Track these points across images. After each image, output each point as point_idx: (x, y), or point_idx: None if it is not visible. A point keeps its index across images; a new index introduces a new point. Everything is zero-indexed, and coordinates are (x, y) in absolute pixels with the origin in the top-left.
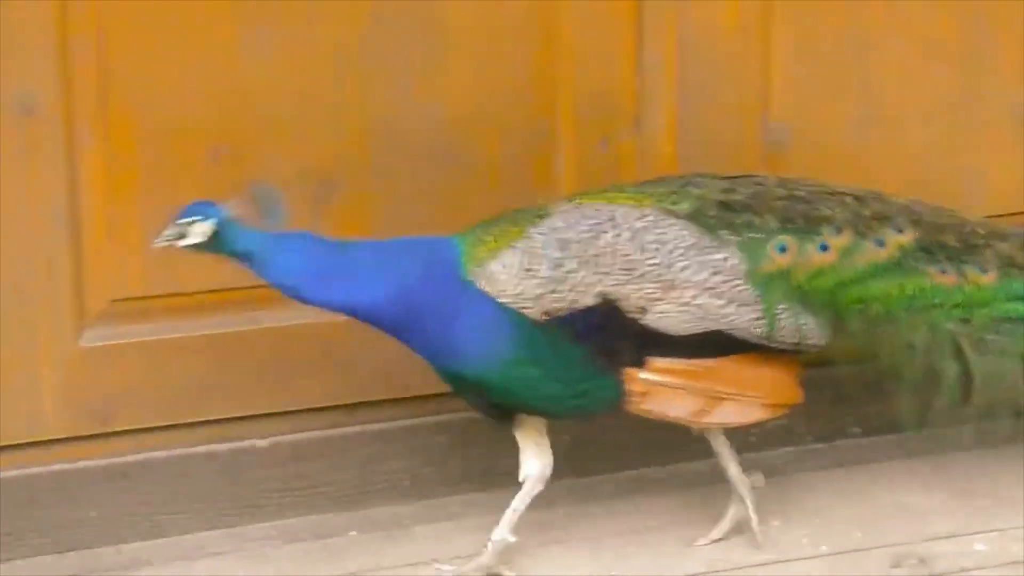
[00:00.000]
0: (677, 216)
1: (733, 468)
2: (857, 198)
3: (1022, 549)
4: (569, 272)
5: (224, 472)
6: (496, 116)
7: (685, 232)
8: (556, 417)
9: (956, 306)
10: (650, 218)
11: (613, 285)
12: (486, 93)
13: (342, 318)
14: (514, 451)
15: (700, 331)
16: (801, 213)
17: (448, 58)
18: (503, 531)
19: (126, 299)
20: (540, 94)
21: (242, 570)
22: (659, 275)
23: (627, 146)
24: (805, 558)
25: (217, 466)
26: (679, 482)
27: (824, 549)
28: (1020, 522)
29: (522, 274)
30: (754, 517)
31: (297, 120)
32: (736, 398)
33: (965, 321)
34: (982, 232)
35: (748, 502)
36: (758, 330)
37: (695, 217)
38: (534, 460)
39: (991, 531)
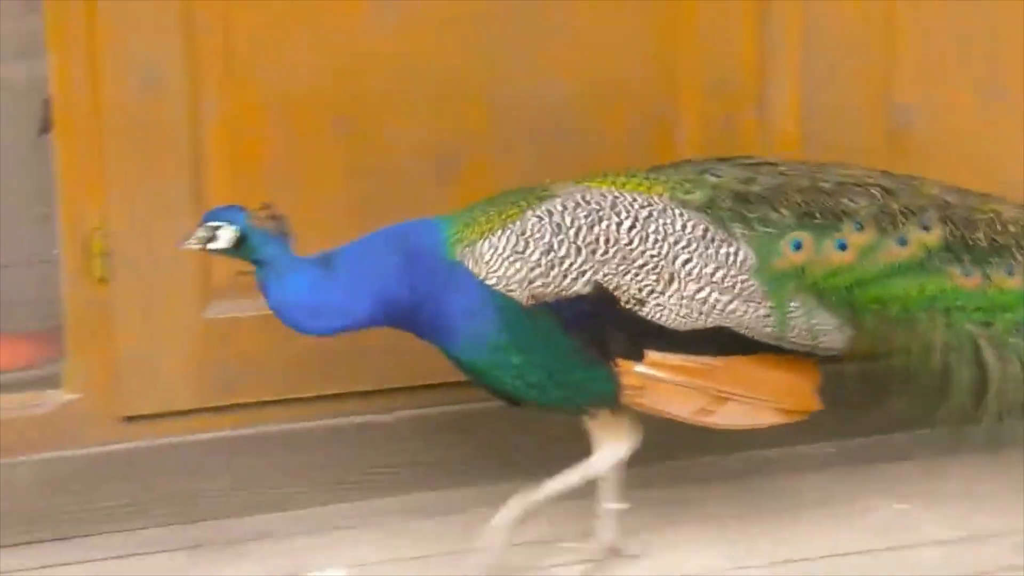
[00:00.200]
0: (687, 206)
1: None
2: (887, 190)
3: None
4: (561, 258)
5: (348, 446)
6: (619, 91)
7: (692, 223)
8: (549, 408)
9: (978, 309)
10: (656, 207)
11: (608, 274)
12: (610, 68)
13: None
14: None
15: (702, 327)
16: (822, 207)
17: (572, 32)
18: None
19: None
20: (663, 70)
21: (366, 544)
22: (659, 267)
23: (749, 124)
24: (931, 543)
25: (341, 440)
26: (798, 464)
27: (950, 535)
28: None
29: (512, 256)
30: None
31: (419, 93)
32: (742, 400)
33: (987, 324)
34: (1013, 230)
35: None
36: (768, 328)
37: (708, 208)
38: (605, 451)
39: None
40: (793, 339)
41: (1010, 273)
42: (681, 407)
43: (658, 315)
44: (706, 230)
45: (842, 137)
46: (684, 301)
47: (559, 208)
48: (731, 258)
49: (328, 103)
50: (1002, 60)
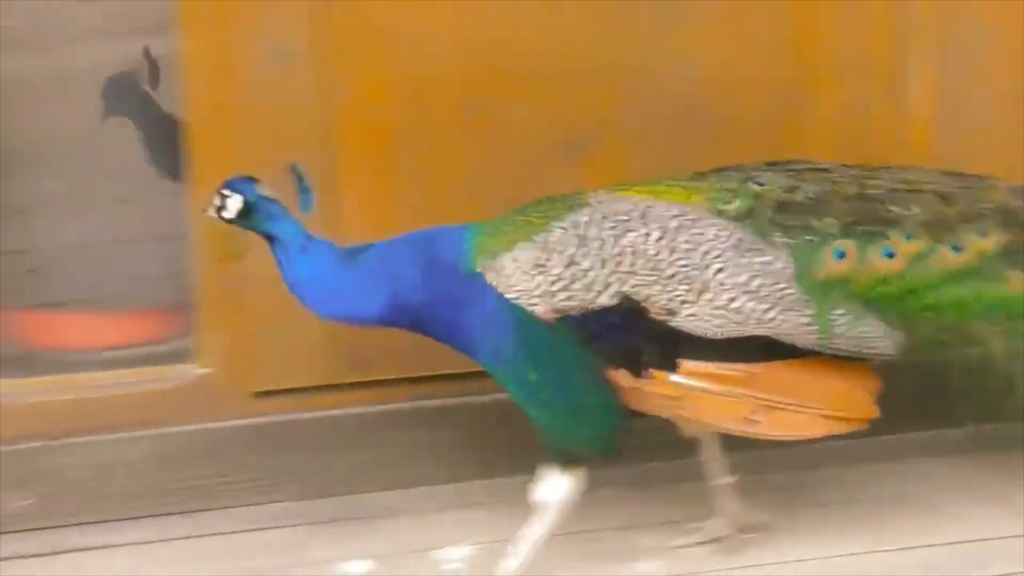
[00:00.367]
0: (724, 216)
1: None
2: (942, 195)
3: None
4: (584, 270)
5: (475, 424)
6: (751, 75)
7: (726, 233)
8: (559, 435)
9: None
10: (689, 217)
11: (636, 286)
12: (742, 51)
13: None
14: None
15: (738, 335)
16: (870, 215)
17: (704, 14)
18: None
19: None
20: (796, 54)
21: (491, 522)
22: (690, 276)
23: (883, 109)
24: None
25: (468, 418)
26: (944, 448)
27: None
28: None
29: (533, 269)
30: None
31: (548, 75)
32: (790, 408)
33: None
34: None
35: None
36: (811, 336)
37: (747, 217)
38: (555, 485)
39: None
40: (838, 346)
41: None
42: (723, 417)
43: (691, 325)
44: (740, 240)
45: (977, 122)
46: (718, 311)
47: (584, 220)
48: (768, 267)
49: (458, 84)
50: None
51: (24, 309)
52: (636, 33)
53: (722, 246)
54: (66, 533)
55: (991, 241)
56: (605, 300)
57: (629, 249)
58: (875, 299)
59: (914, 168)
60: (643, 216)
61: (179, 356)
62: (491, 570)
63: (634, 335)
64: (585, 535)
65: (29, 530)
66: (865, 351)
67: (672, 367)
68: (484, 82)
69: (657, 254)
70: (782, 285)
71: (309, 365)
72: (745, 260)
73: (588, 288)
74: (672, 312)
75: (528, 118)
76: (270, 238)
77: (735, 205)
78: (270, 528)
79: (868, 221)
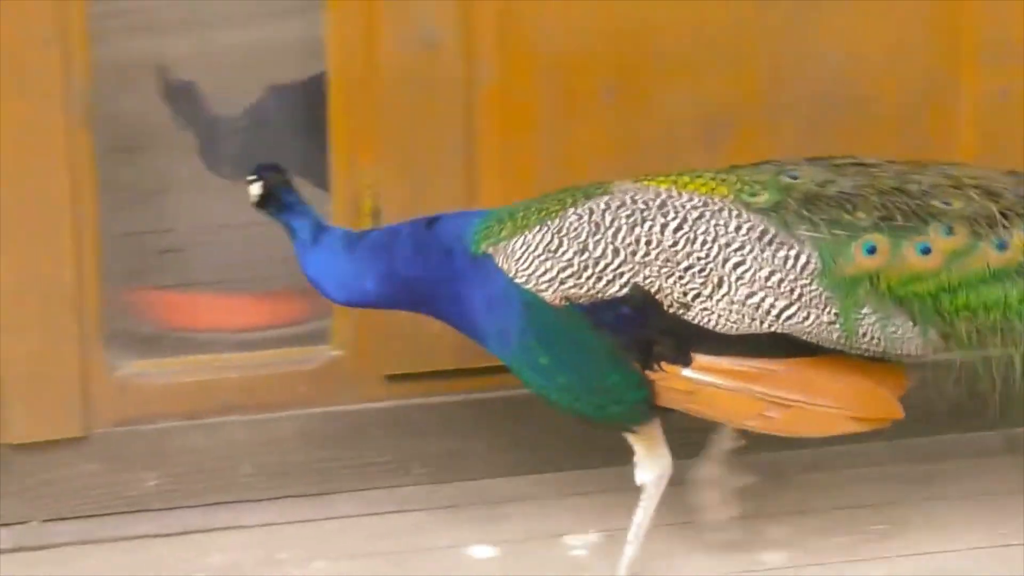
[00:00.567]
0: (750, 208)
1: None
2: (988, 192)
3: None
4: (596, 259)
5: None
6: (896, 62)
7: (748, 225)
8: (583, 418)
9: None
10: (711, 208)
11: (650, 277)
12: (887, 38)
13: None
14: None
15: (754, 331)
16: (906, 209)
17: (850, 1)
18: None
19: None
20: (941, 41)
21: (619, 509)
22: (706, 269)
23: None
24: None
25: None
26: None
27: None
28: None
29: (544, 255)
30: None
31: (692, 59)
32: (805, 407)
33: None
34: None
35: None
36: (835, 335)
37: (773, 210)
38: (647, 465)
39: None
40: (865, 346)
41: None
42: (737, 413)
43: (705, 319)
44: (764, 232)
45: None
46: (735, 306)
47: (601, 207)
48: (790, 262)
49: (601, 68)
50: None
51: (159, 289)
52: (780, 14)
53: (742, 239)
54: (195, 513)
55: None
56: (616, 290)
57: (644, 239)
58: (908, 297)
59: (967, 165)
60: (662, 206)
61: (314, 338)
62: (617, 557)
63: (646, 327)
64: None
65: (158, 510)
66: (895, 352)
67: (685, 361)
68: (627, 66)
69: (673, 245)
70: (804, 281)
71: (440, 349)
72: (766, 254)
73: (599, 277)
74: (686, 305)
75: (670, 101)
76: (286, 229)
77: (763, 198)
78: (397, 512)
79: (904, 216)
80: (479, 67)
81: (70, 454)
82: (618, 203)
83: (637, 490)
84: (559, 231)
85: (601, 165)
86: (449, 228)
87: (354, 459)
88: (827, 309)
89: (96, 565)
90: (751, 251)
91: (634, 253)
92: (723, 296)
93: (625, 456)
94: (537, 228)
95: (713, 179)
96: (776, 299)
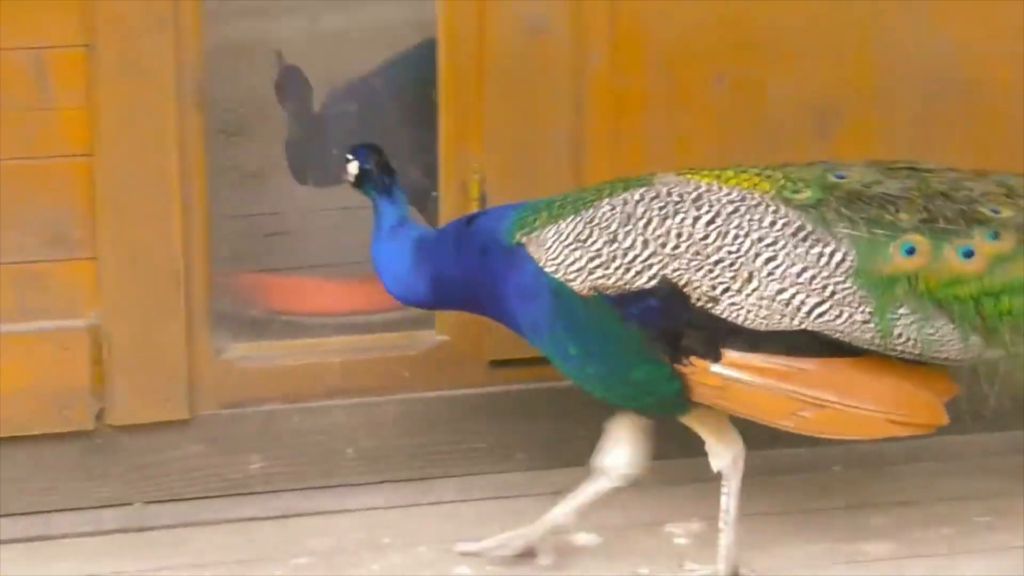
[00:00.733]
0: (790, 204)
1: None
2: None
3: None
4: (626, 249)
5: None
6: (1005, 46)
7: (784, 221)
8: (620, 405)
9: None
10: (748, 203)
11: (679, 270)
12: (995, 23)
13: None
14: None
15: (787, 328)
16: (952, 213)
17: None
18: (556, 512)
19: None
20: None
21: (714, 498)
22: (737, 264)
23: None
24: None
25: None
26: None
27: None
28: None
29: (573, 244)
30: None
31: (802, 48)
32: (840, 408)
33: None
34: None
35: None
36: (868, 335)
37: (814, 207)
38: (619, 455)
39: None
40: (900, 347)
41: None
42: (768, 412)
43: (734, 314)
44: (800, 228)
45: None
46: (764, 301)
47: (635, 198)
48: (824, 259)
49: (711, 55)
50: None
51: (265, 272)
52: (891, 5)
53: (776, 234)
54: (297, 497)
55: None
56: (644, 282)
57: (675, 231)
58: (948, 300)
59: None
60: (698, 199)
61: (418, 323)
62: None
63: (673, 320)
64: (815, 513)
65: (260, 493)
66: (933, 354)
67: (715, 357)
68: (736, 54)
69: (704, 238)
70: (838, 279)
71: None
72: (800, 250)
73: (627, 268)
74: (714, 299)
75: (780, 89)
76: (375, 209)
77: (805, 195)
78: (499, 498)
79: (947, 219)
80: (588, 53)
81: (175, 436)
82: (653, 195)
83: (742, 479)
84: (591, 221)
85: (709, 152)
86: (486, 223)
87: (456, 444)
88: (861, 308)
89: (198, 547)
90: (784, 247)
91: (664, 245)
92: (753, 291)
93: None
94: (571, 218)
95: (758, 175)
96: (808, 296)
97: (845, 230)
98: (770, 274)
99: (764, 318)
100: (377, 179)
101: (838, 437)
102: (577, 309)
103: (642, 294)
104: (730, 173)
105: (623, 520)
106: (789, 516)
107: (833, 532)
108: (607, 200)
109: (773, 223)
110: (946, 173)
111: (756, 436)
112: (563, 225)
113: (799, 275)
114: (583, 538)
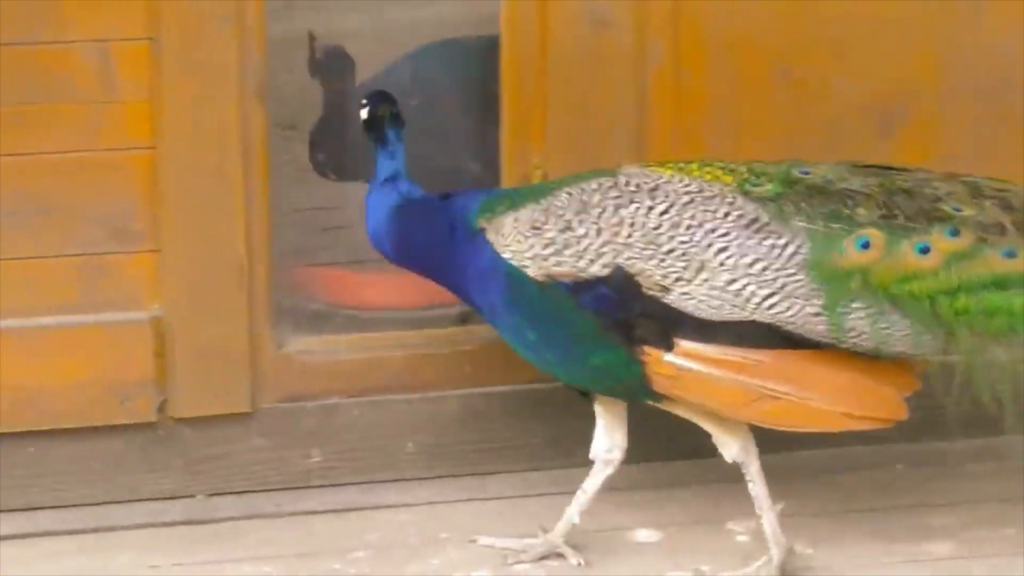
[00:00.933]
0: (749, 196)
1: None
2: (1007, 204)
3: None
4: (579, 237)
5: None
6: None
7: (738, 213)
8: (587, 389)
9: None
10: (704, 194)
11: (631, 258)
12: None
13: None
14: None
15: (736, 319)
16: (911, 209)
17: None
18: (571, 512)
19: None
20: None
21: (785, 495)
22: (688, 254)
23: None
24: None
25: None
26: None
27: None
28: None
29: (529, 231)
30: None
31: (866, 43)
32: (795, 400)
33: None
34: None
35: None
36: (820, 328)
37: (772, 200)
38: (601, 439)
39: None
40: (853, 341)
41: None
42: (724, 403)
43: (685, 304)
44: (754, 220)
45: None
46: (715, 292)
47: (592, 187)
48: (776, 251)
49: (774, 51)
50: None
51: (326, 266)
52: (955, 3)
53: (730, 225)
54: (357, 491)
55: None
56: (597, 270)
57: (629, 220)
58: (904, 296)
59: (1002, 181)
60: (654, 189)
61: (478, 318)
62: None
63: (626, 309)
64: (876, 512)
65: (321, 486)
66: (887, 350)
67: (668, 346)
68: (801, 50)
69: (658, 227)
70: (789, 271)
71: None
72: (752, 242)
73: (580, 256)
74: (665, 289)
75: (844, 87)
76: (375, 160)
77: (765, 188)
78: (560, 493)
79: (908, 215)
80: (651, 46)
81: (236, 429)
82: (610, 184)
83: (804, 478)
84: (547, 209)
85: (771, 148)
86: (459, 202)
87: (516, 439)
88: (812, 300)
89: (259, 540)
90: (736, 238)
91: (617, 234)
92: (704, 281)
93: (790, 443)
94: (531, 205)
95: (723, 168)
96: (758, 287)
97: (801, 223)
98: (721, 264)
99: (715, 308)
100: (380, 129)
101: (794, 429)
102: (533, 295)
103: (595, 282)
104: (695, 166)
105: (684, 517)
106: (850, 515)
107: (894, 531)
108: (565, 189)
109: (727, 214)
110: (915, 173)
111: (815, 435)
112: (522, 212)
113: (750, 266)
114: (644, 535)
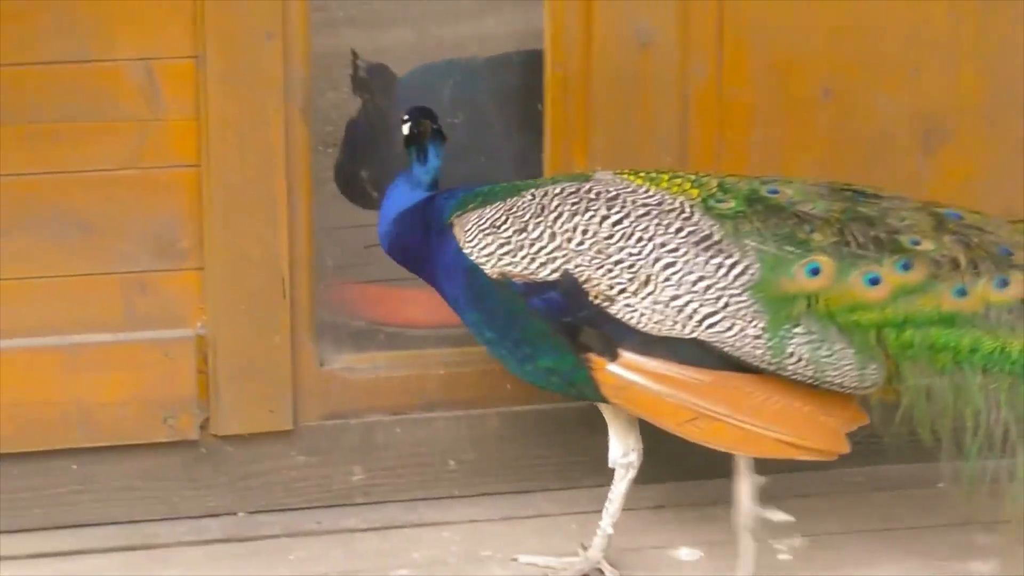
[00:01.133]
0: (710, 212)
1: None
2: (963, 240)
3: None
4: (533, 240)
5: None
6: None
7: (691, 229)
8: (544, 389)
9: None
10: (663, 207)
11: (581, 266)
12: None
13: None
14: None
15: (678, 335)
16: (864, 238)
17: None
18: (604, 526)
19: None
20: None
21: (828, 513)
22: (636, 266)
23: None
24: None
25: None
26: None
27: None
28: None
29: (489, 229)
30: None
31: (909, 62)
32: (731, 423)
33: None
34: None
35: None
36: (759, 351)
37: (731, 218)
38: (615, 445)
39: None
40: (792, 367)
41: None
42: (664, 417)
43: (629, 316)
44: (706, 237)
45: None
46: (658, 306)
47: (555, 191)
48: (723, 270)
49: (817, 70)
50: None
51: (367, 283)
52: (1004, 20)
53: (680, 241)
54: (399, 508)
55: (1009, 293)
56: (547, 273)
57: (582, 227)
58: (850, 326)
59: (973, 211)
60: (614, 198)
61: None
62: (821, 562)
63: (574, 315)
64: (919, 531)
65: (363, 504)
66: (828, 379)
67: (612, 356)
68: (844, 69)
69: (609, 237)
70: (734, 291)
71: None
72: (700, 259)
73: (532, 258)
74: (611, 299)
75: (887, 105)
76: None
77: (728, 205)
78: (600, 511)
79: (861, 243)
80: (694, 64)
81: (278, 447)
82: (572, 190)
83: (844, 494)
84: (510, 208)
85: (813, 165)
86: (439, 201)
87: (557, 457)
88: (753, 322)
89: (301, 558)
90: (684, 254)
91: (569, 240)
92: (648, 295)
93: (831, 463)
94: (498, 204)
95: (692, 181)
96: (701, 305)
97: (754, 243)
98: (667, 280)
99: (657, 323)
100: (422, 144)
101: (731, 451)
102: (489, 292)
103: (545, 285)
104: (665, 176)
105: (726, 535)
106: (893, 533)
107: (937, 550)
108: (531, 190)
109: (680, 230)
110: (885, 201)
111: (858, 453)
112: (487, 210)
113: (695, 283)
114: (685, 553)
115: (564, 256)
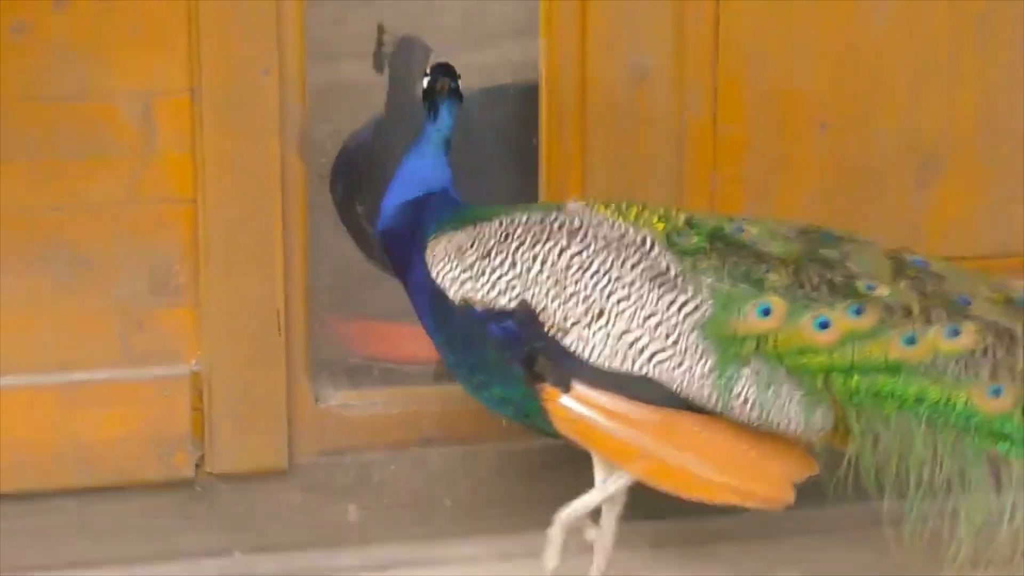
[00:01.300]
0: (672, 248)
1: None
2: (918, 287)
3: None
4: (495, 267)
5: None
6: None
7: (647, 264)
8: (504, 417)
9: (1002, 437)
10: (624, 240)
11: (538, 296)
12: None
13: None
14: None
15: (628, 371)
16: (818, 280)
17: None
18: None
19: None
20: None
21: (820, 551)
22: (590, 299)
23: None
24: None
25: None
26: None
27: None
28: None
29: (455, 254)
30: None
31: (907, 93)
32: (675, 464)
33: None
34: None
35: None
36: (707, 391)
37: (691, 255)
38: (598, 471)
39: None
40: (739, 408)
41: None
42: (612, 453)
43: (581, 348)
44: (661, 274)
45: None
46: (610, 340)
47: (522, 220)
48: (674, 307)
49: (814, 100)
50: None
51: (363, 319)
52: (1004, 50)
53: (634, 275)
54: (396, 547)
55: (960, 342)
56: (505, 302)
57: (541, 257)
58: (799, 368)
59: (938, 259)
60: (576, 230)
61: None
62: None
63: (529, 345)
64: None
65: (359, 543)
66: (774, 422)
67: (565, 387)
68: (840, 101)
69: (567, 268)
70: (684, 329)
71: None
72: (652, 295)
73: (492, 285)
74: (564, 331)
75: (885, 137)
76: (422, 130)
77: (690, 241)
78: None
79: (814, 286)
80: (690, 98)
81: (274, 485)
82: (538, 219)
83: (848, 530)
84: (477, 234)
85: (809, 198)
86: (433, 206)
87: (554, 494)
88: (702, 361)
89: None
90: (638, 289)
91: (528, 270)
92: (600, 328)
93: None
94: (468, 228)
95: (660, 215)
96: (651, 341)
97: (710, 280)
98: (619, 314)
99: (608, 357)
100: (437, 104)
101: (678, 494)
102: (450, 316)
103: (503, 314)
104: (635, 209)
105: (729, 571)
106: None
107: None
108: (500, 217)
109: (636, 264)
110: (849, 245)
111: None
112: (458, 233)
113: (646, 320)
114: None
115: (522, 285)
